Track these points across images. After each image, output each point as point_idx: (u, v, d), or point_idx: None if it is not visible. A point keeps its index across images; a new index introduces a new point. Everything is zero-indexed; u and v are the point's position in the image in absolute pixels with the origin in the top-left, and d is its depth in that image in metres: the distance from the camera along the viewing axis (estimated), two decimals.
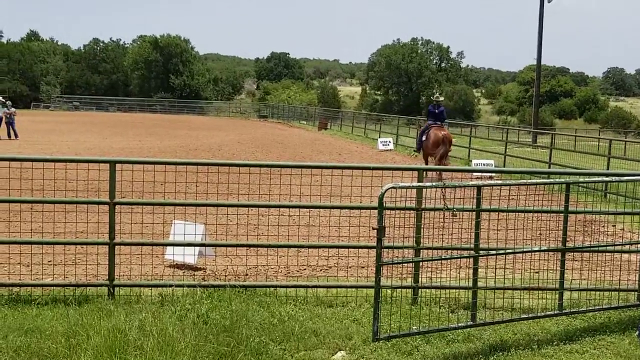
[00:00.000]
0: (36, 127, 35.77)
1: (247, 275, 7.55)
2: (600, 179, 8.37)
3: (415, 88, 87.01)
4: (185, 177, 7.34)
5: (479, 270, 5.73)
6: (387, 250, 5.88)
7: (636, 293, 6.45)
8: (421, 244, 6.23)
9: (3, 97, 33.69)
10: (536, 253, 6.21)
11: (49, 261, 7.25)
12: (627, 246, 7.60)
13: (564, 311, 5.99)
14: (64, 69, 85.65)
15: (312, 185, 7.68)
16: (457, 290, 6.46)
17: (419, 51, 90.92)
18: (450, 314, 6.10)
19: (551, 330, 5.89)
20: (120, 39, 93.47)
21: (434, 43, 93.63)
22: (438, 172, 12.73)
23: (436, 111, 15.52)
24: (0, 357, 4.85)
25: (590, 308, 6.16)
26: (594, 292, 6.44)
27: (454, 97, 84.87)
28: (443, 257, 6.17)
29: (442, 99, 16.70)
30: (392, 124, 38.32)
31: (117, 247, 6.49)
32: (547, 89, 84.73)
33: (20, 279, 6.67)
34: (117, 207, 6.34)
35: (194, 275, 7.54)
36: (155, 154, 22.07)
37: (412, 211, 6.27)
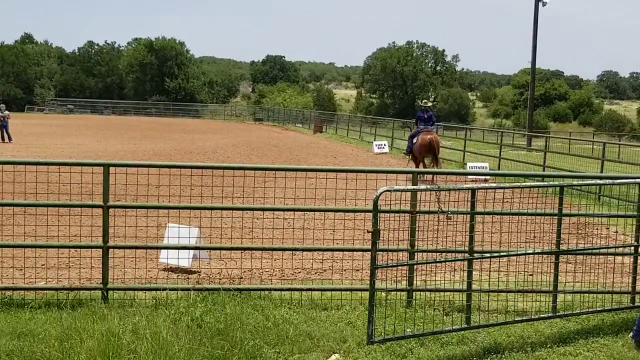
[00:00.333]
0: (30, 130, 35.68)
1: (241, 278, 7.54)
2: (594, 181, 8.40)
3: (410, 91, 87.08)
4: (180, 180, 7.32)
5: (474, 272, 5.75)
6: (381, 253, 5.87)
7: (629, 295, 6.47)
8: (416, 247, 6.24)
9: None
10: (530, 256, 6.22)
11: (42, 265, 7.22)
12: (621, 249, 7.62)
13: (557, 313, 6.01)
14: (58, 71, 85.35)
15: (307, 188, 7.68)
16: (452, 293, 6.46)
17: (414, 54, 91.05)
18: (445, 317, 6.11)
19: (545, 332, 5.90)
20: (115, 42, 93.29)
21: (429, 46, 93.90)
22: (431, 176, 12.93)
23: (425, 116, 16.13)
24: None
25: (583, 310, 6.17)
26: (587, 294, 6.45)
27: (449, 100, 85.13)
28: (437, 260, 6.18)
29: (430, 104, 17.25)
30: (387, 127, 38.37)
31: (110, 250, 6.47)
32: (541, 92, 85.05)
33: (13, 283, 6.65)
34: (111, 210, 6.33)
35: (188, 278, 7.53)
36: (149, 157, 22.04)
37: (406, 214, 6.28)
